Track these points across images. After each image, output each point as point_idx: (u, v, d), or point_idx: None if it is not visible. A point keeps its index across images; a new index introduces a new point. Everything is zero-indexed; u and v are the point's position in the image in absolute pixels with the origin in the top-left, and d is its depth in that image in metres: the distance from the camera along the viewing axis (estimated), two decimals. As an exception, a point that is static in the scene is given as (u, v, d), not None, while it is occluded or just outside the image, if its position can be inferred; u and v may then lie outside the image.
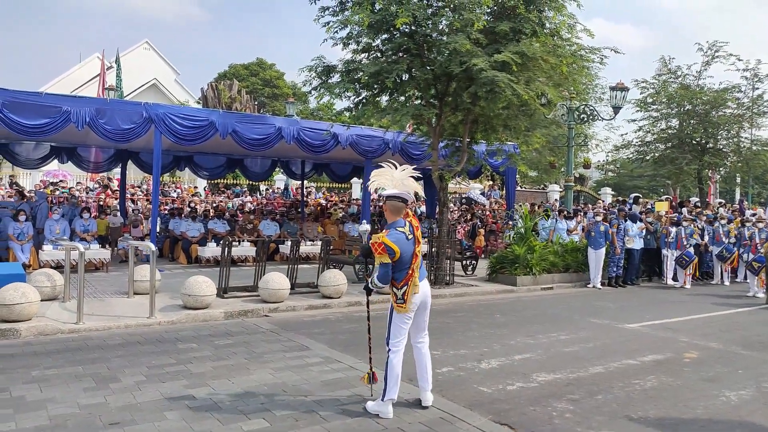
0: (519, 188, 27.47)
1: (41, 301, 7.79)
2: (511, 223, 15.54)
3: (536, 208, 19.33)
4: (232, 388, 5.23)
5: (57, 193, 18.71)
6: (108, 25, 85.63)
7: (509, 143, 14.15)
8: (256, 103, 36.24)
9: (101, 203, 17.62)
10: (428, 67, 11.21)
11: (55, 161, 16.48)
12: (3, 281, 7.64)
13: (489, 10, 11.26)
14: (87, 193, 20.31)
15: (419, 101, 12.39)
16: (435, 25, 10.92)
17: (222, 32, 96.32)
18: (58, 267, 10.48)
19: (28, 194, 16.27)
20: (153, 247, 8.76)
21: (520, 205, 17.25)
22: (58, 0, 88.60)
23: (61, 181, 21.93)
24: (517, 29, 10.81)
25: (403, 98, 12.39)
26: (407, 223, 4.73)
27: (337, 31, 10.94)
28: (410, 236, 4.69)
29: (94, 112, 10.98)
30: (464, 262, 13.82)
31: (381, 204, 4.87)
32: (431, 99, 12.20)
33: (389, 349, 4.79)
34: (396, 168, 4.90)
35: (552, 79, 11.74)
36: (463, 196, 26.10)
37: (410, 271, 4.68)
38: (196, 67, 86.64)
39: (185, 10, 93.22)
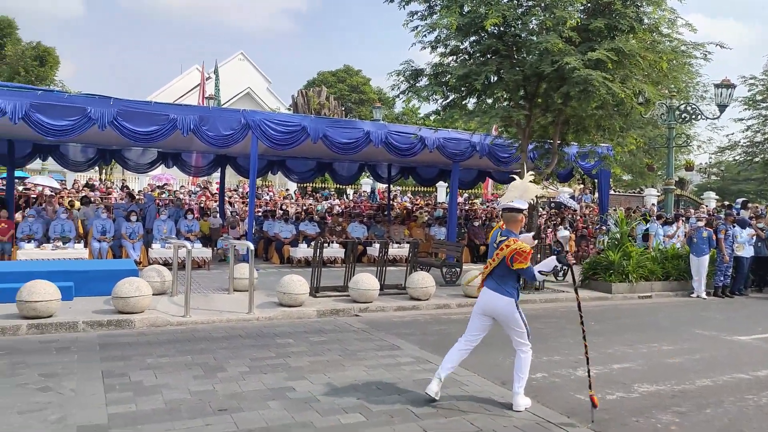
0: (612, 192, 26.33)
1: (152, 295, 8.41)
2: (604, 228, 14.93)
3: (632, 212, 18.45)
4: (329, 383, 5.41)
5: (163, 195, 20.08)
6: (207, 40, 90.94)
7: (602, 145, 13.62)
8: (343, 108, 37.13)
9: (202, 205, 18.72)
10: (518, 68, 11.05)
11: (161, 166, 17.69)
12: (118, 276, 8.32)
13: (582, 7, 10.94)
14: (189, 195, 21.64)
15: (508, 103, 12.22)
16: (525, 24, 10.74)
17: (311, 42, 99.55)
18: (166, 264, 11.25)
19: (137, 196, 17.60)
20: (251, 245, 9.22)
21: (615, 210, 16.54)
22: (161, 17, 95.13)
23: (166, 184, 23.53)
24: (612, 26, 10.43)
25: (491, 100, 12.28)
26: (505, 238, 4.84)
27: (425, 35, 11.03)
28: (496, 243, 4.89)
29: (198, 119, 11.70)
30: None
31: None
32: (520, 100, 12.00)
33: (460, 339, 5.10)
34: (522, 177, 5.18)
35: (650, 77, 11.21)
36: (552, 200, 25.36)
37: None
38: (287, 76, 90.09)
39: (277, 23, 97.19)
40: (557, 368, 6.27)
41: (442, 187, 28.58)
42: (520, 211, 4.91)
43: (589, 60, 9.76)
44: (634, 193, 32.21)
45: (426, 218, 18.73)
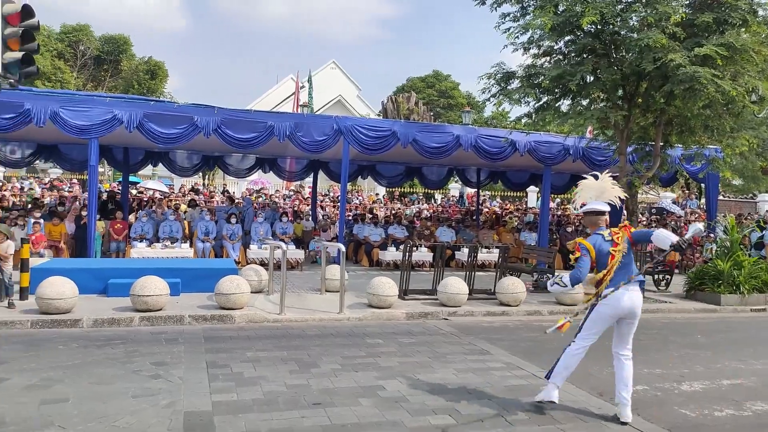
0: (721, 197, 24.50)
1: (250, 293, 8.85)
2: (712, 235, 13.92)
3: (743, 219, 17.07)
4: (418, 384, 5.45)
5: (260, 199, 21.05)
6: (301, 50, 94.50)
7: (710, 147, 12.73)
8: (431, 113, 37.20)
9: (295, 209, 19.43)
10: (616, 67, 10.61)
11: (259, 171, 18.57)
12: (220, 274, 8.82)
13: (688, 2, 10.32)
14: (284, 199, 22.54)
15: (604, 104, 11.73)
16: (625, 21, 10.28)
17: (401, 49, 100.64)
18: (263, 264, 11.79)
19: (237, 200, 18.57)
20: (342, 247, 9.47)
21: (724, 216, 15.39)
22: (260, 30, 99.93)
23: (262, 188, 24.65)
24: (721, 20, 9.76)
25: (586, 101, 11.86)
26: (607, 229, 4.81)
27: (517, 37, 10.84)
28: (608, 238, 4.74)
29: (293, 126, 12.20)
30: (656, 276, 12.72)
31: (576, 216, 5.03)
32: (618, 100, 11.49)
33: (573, 340, 4.87)
34: (597, 179, 5.04)
35: (764, 73, 10.37)
36: (654, 205, 23.99)
37: (606, 271, 4.69)
38: (377, 83, 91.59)
39: (368, 31, 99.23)
40: (660, 381, 5.94)
41: (532, 192, 27.87)
42: (602, 213, 4.83)
43: (695, 56, 9.20)
44: (746, 198, 29.80)
45: (515, 223, 18.34)
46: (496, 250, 12.25)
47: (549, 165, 14.34)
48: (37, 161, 17.62)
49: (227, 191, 23.72)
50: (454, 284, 9.43)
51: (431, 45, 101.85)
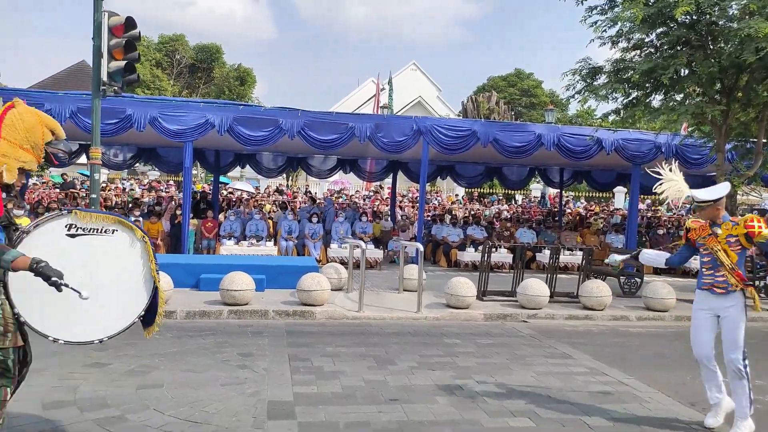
0: (836, 198, 22.34)
1: (330, 290, 9.07)
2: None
3: None
4: (496, 385, 5.38)
5: (340, 200, 21.52)
6: (382, 52, 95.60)
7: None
8: (513, 112, 36.47)
9: (375, 209, 19.69)
10: (713, 60, 9.94)
11: (340, 172, 18.98)
12: (302, 271, 9.11)
13: (797, -14, 9.50)
14: (364, 200, 22.91)
15: (700, 98, 11.03)
16: (723, 10, 9.62)
17: (482, 49, 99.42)
18: (342, 262, 12.04)
19: (318, 200, 19.08)
20: (420, 247, 9.50)
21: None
22: (342, 35, 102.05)
23: (343, 189, 25.18)
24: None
25: (680, 96, 11.20)
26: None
27: (605, 30, 10.42)
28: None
29: (373, 126, 12.37)
30: (756, 282, 11.79)
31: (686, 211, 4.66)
32: (716, 95, 10.77)
33: None
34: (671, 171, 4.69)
35: None
36: (755, 207, 22.26)
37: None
38: (457, 83, 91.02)
39: (450, 31, 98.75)
40: (761, 394, 5.51)
41: (619, 193, 26.67)
42: (716, 200, 4.44)
43: (806, 46, 8.46)
44: None
45: (601, 225, 17.61)
46: (580, 253, 11.84)
47: (638, 164, 13.64)
48: (138, 164, 18.96)
49: (310, 192, 24.41)
50: (535, 286, 9.21)
51: (513, 43, 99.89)
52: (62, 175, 20.92)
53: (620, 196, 26.98)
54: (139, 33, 8.93)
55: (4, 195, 3.26)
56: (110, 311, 3.60)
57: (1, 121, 3.27)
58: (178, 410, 4.46)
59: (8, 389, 3.34)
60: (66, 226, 3.53)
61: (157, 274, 3.75)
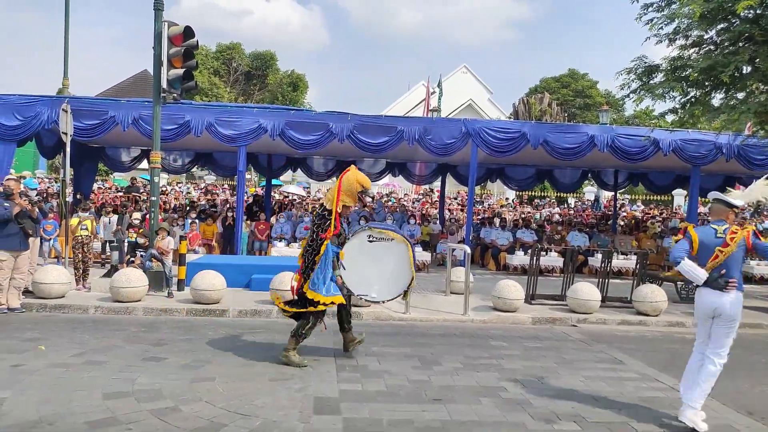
0: None
1: (378, 291, 9.16)
2: None
3: None
4: (542, 389, 5.31)
5: (389, 203, 21.64)
6: (433, 56, 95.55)
7: None
8: (566, 114, 35.71)
9: (423, 212, 19.70)
10: (779, 55, 9.48)
11: (389, 175, 19.09)
12: (351, 272, 9.22)
13: None
14: (413, 203, 22.95)
15: (765, 96, 10.52)
16: (790, 3, 9.17)
17: (534, 50, 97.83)
18: (390, 265, 12.11)
19: (368, 203, 19.24)
20: (468, 249, 9.46)
21: None
22: (394, 39, 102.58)
23: (392, 192, 25.31)
24: None
25: (742, 94, 10.72)
26: (727, 226, 4.54)
27: (661, 28, 10.12)
28: (721, 235, 4.49)
29: (422, 129, 12.42)
30: None
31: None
32: (782, 92, 10.25)
33: None
34: None
35: None
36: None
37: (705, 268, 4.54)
38: (509, 86, 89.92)
39: (501, 34, 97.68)
40: None
41: (679, 195, 25.67)
42: (728, 206, 4.58)
43: None
44: None
45: (658, 229, 17.01)
46: (634, 257, 11.49)
47: (698, 165, 13.16)
48: (194, 168, 19.66)
49: (359, 195, 24.64)
50: (586, 290, 9.02)
51: (567, 44, 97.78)
52: (131, 179, 21.99)
53: (679, 199, 25.98)
54: (197, 42, 9.31)
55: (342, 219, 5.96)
56: (387, 285, 6.37)
57: (340, 182, 5.93)
58: (228, 403, 4.63)
59: (318, 324, 5.93)
60: (368, 236, 6.38)
61: (414, 268, 6.34)
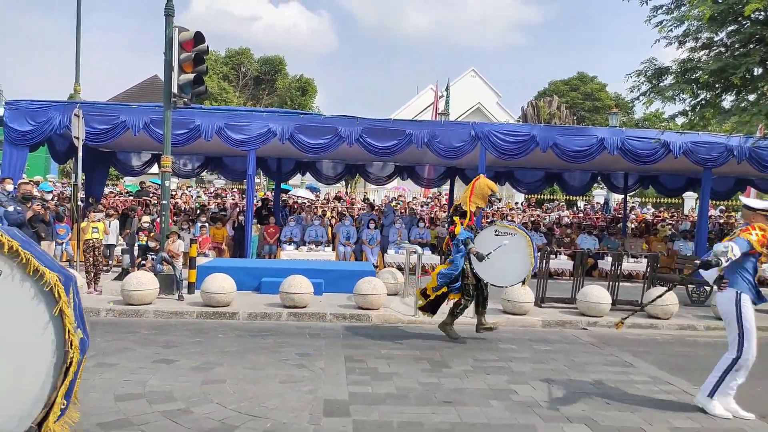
0: None
1: (386, 294, 9.17)
2: None
3: None
4: (553, 391, 5.30)
5: (397, 206, 21.65)
6: (441, 59, 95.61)
7: None
8: (575, 117, 35.59)
9: (432, 216, 19.68)
10: (790, 57, 9.42)
11: (397, 178, 19.10)
12: (359, 276, 9.25)
13: None
14: (421, 207, 22.94)
15: (776, 98, 10.45)
16: (800, 5, 9.10)
17: (542, 53, 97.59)
18: (399, 268, 12.12)
19: (376, 207, 19.27)
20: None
21: None
22: (401, 44, 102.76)
23: (400, 195, 25.31)
24: None
25: (753, 96, 10.65)
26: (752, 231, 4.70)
27: (671, 30, 10.09)
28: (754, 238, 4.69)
29: (431, 133, 12.43)
30: None
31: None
32: (794, 94, 10.18)
33: None
34: None
35: None
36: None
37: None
38: (517, 89, 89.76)
39: (508, 37, 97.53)
40: None
41: (690, 198, 25.50)
42: (753, 210, 4.81)
43: None
44: None
45: (669, 232, 16.90)
46: (645, 260, 11.43)
47: (709, 168, 13.07)
48: (204, 172, 19.76)
49: (367, 199, 24.69)
50: (596, 293, 8.98)
51: (576, 47, 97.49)
52: (140, 183, 22.18)
53: (690, 202, 25.81)
54: (207, 47, 9.38)
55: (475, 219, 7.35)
56: (511, 273, 7.22)
57: (473, 186, 7.31)
58: (239, 405, 4.66)
59: (469, 305, 7.30)
60: (494, 230, 7.32)
61: (534, 258, 7.22)
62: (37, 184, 12.52)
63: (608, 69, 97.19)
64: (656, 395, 5.30)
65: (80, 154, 10.27)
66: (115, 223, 12.15)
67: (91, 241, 9.36)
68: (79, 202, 11.06)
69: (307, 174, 18.75)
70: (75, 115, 10.23)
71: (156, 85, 31.15)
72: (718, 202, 22.42)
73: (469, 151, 12.60)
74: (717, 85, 10.40)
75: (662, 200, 26.40)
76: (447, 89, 32.79)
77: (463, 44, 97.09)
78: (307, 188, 25.79)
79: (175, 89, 9.13)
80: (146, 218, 12.35)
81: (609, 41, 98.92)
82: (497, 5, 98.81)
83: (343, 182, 27.65)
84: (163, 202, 9.76)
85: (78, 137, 10.16)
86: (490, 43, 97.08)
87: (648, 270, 10.26)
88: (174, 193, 23.32)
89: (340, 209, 18.71)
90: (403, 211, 18.77)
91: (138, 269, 9.66)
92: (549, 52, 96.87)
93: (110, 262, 12.16)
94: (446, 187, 20.28)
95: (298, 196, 23.00)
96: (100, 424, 4.19)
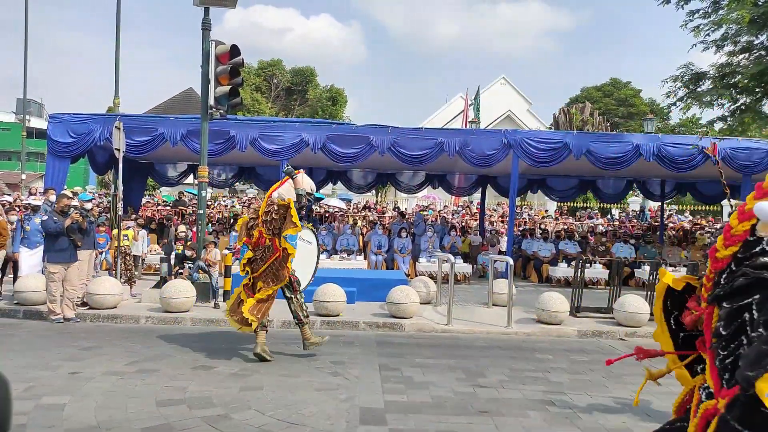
0: None
1: (419, 303, 9.16)
2: None
3: None
4: (591, 402, 5.22)
5: (427, 214, 21.61)
6: (471, 68, 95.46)
7: None
8: (608, 123, 35.05)
9: (463, 224, 19.60)
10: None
11: (428, 187, 19.10)
12: (392, 285, 9.26)
13: None
14: (452, 215, 22.86)
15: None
16: None
17: (574, 59, 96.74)
18: (431, 276, 12.09)
19: (407, 215, 19.28)
20: (510, 260, 9.39)
21: None
22: (432, 53, 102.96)
23: (431, 204, 25.28)
24: None
25: (796, 100, 10.37)
26: None
27: (708, 34, 9.91)
28: None
29: (462, 141, 12.40)
30: None
31: None
32: (839, 97, 9.87)
33: None
34: None
35: None
36: None
37: None
38: (548, 96, 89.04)
39: (539, 44, 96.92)
40: None
41: (728, 206, 24.78)
42: None
43: None
44: None
45: (708, 240, 16.45)
46: (684, 269, 11.17)
47: (749, 174, 12.70)
48: (238, 182, 20.10)
49: (398, 207, 24.72)
50: (634, 303, 8.81)
51: (609, 53, 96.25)
52: (178, 193, 22.67)
53: (729, 209, 25.09)
54: (243, 59, 9.59)
55: None
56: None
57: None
58: (276, 411, 4.72)
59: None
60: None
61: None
62: (75, 194, 12.95)
63: (642, 74, 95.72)
64: (699, 408, 5.17)
65: (121, 165, 10.57)
66: (143, 232, 12.34)
67: (122, 248, 9.70)
68: (119, 212, 11.37)
69: (338, 183, 18.90)
70: (116, 127, 10.54)
71: (191, 97, 31.85)
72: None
73: (501, 159, 12.52)
74: (757, 90, 10.16)
75: (699, 207, 25.75)
76: (477, 97, 32.68)
77: (493, 52, 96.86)
78: (338, 198, 25.97)
79: (211, 101, 9.35)
80: (182, 227, 12.60)
81: (643, 46, 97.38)
82: (527, 12, 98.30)
83: (373, 191, 27.73)
84: (200, 211, 9.97)
85: (119, 149, 10.46)
86: (521, 50, 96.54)
87: (687, 279, 10.01)
88: (209, 203, 23.75)
89: (371, 218, 18.77)
90: (434, 219, 18.71)
91: (175, 278, 9.87)
92: (581, 58, 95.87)
93: (136, 273, 12.41)
94: (477, 195, 20.18)
95: (330, 206, 23.18)
96: (143, 429, 4.30)
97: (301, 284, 6.97)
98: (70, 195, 10.09)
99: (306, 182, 6.85)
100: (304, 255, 7.37)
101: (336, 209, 22.09)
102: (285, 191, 6.58)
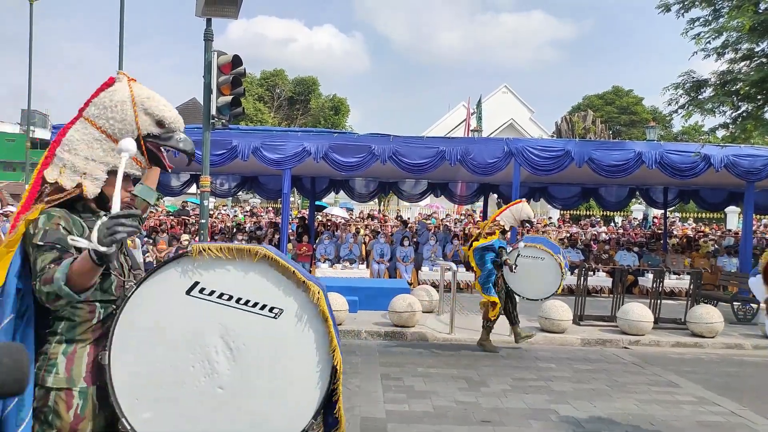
0: None
1: (422, 312, 9.13)
2: None
3: None
4: (594, 412, 5.18)
5: (430, 222, 21.59)
6: (473, 77, 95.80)
7: None
8: (610, 131, 35.07)
9: (466, 232, 19.56)
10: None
11: (431, 195, 19.09)
12: (394, 293, 9.24)
13: None
14: (455, 224, 22.83)
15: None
16: None
17: (576, 68, 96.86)
18: (433, 285, 12.07)
19: (410, 224, 19.27)
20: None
21: None
22: (434, 63, 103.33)
23: (434, 212, 25.27)
24: None
25: (798, 107, 10.35)
26: None
27: (709, 42, 9.93)
28: None
29: (464, 149, 12.40)
30: None
31: None
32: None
33: None
34: None
35: None
36: None
37: None
38: (551, 104, 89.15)
39: (541, 53, 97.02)
40: None
41: (732, 213, 24.73)
42: None
43: None
44: None
45: (711, 247, 16.41)
46: (687, 277, 11.13)
47: (752, 181, 12.67)
48: (240, 192, 20.13)
49: (401, 216, 24.72)
50: (637, 311, 8.76)
51: (610, 61, 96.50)
52: (182, 203, 22.72)
53: (733, 217, 25.02)
54: (245, 70, 9.62)
55: None
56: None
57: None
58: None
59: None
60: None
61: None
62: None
63: (644, 82, 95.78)
64: (703, 416, 5.13)
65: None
66: (138, 241, 12.34)
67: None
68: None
69: (341, 192, 18.91)
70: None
71: (194, 108, 31.98)
72: (762, 216, 21.67)
73: (503, 168, 12.51)
74: (759, 97, 10.16)
75: (703, 215, 25.70)
76: (479, 105, 32.78)
77: (495, 61, 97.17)
78: (341, 207, 25.99)
79: (213, 111, 9.37)
80: (185, 236, 12.63)
81: (644, 55, 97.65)
82: (529, 22, 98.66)
83: (376, 200, 27.74)
84: (202, 221, 9.95)
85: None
86: (523, 59, 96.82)
87: (691, 287, 9.98)
88: (212, 213, 23.79)
89: (373, 227, 18.77)
90: (437, 228, 18.69)
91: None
92: (582, 67, 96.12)
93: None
94: (479, 203, 20.18)
95: (332, 215, 23.21)
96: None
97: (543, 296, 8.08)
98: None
99: (525, 211, 7.81)
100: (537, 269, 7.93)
101: (338, 218, 22.10)
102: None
